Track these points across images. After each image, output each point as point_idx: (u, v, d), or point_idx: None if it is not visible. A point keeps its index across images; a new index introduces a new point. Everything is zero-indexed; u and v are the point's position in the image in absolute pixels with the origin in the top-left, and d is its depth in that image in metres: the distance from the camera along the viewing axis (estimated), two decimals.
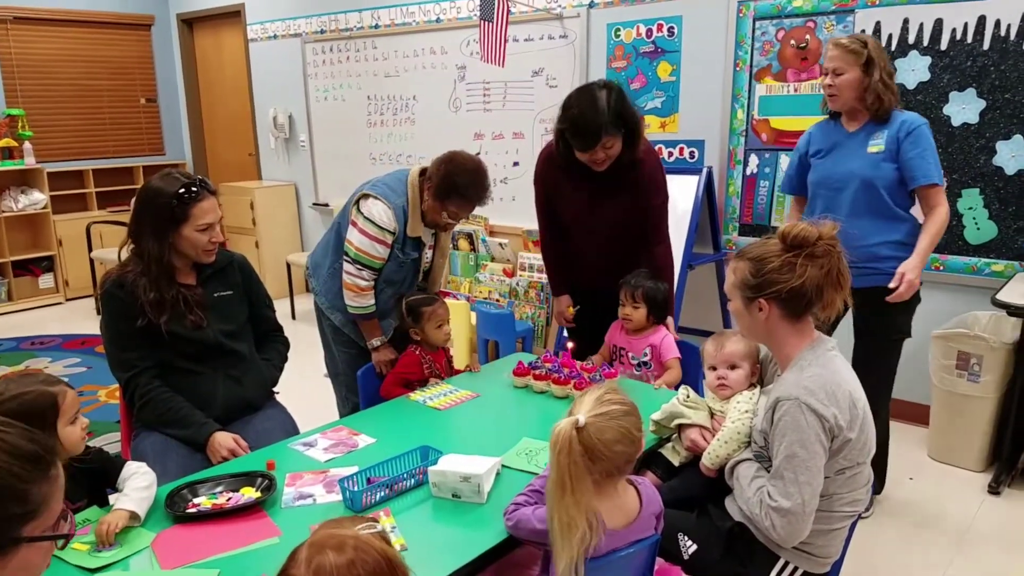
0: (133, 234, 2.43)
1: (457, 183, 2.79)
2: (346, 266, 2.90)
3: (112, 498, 1.92)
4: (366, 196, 2.88)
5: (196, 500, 1.93)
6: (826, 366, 1.82)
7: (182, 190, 2.35)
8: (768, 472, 1.83)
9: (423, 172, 2.90)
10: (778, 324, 1.87)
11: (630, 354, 2.94)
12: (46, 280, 7.11)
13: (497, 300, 5.34)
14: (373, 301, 2.94)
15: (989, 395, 3.44)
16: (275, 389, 2.75)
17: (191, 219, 2.36)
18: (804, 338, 1.88)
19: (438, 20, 5.62)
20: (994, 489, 3.33)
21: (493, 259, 5.49)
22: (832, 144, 3.03)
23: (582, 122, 2.73)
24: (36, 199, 6.91)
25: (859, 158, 2.94)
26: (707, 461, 2.03)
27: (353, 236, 2.88)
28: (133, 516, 1.82)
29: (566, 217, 3.13)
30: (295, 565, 1.15)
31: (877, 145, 2.91)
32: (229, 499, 1.93)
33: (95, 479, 1.97)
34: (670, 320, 2.97)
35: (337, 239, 3.03)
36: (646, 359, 2.91)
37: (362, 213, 2.86)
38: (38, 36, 7.21)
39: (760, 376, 2.16)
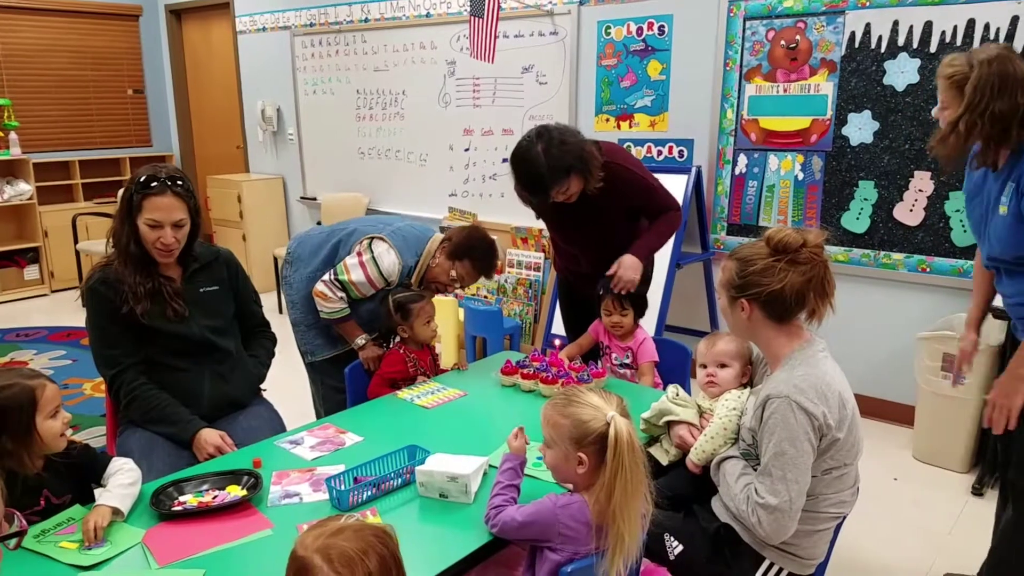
0: (114, 219, 2.43)
1: (474, 247, 2.93)
2: (328, 279, 2.89)
3: (96, 493, 1.91)
4: (383, 240, 2.90)
5: (182, 498, 1.92)
6: (816, 366, 1.82)
7: (143, 179, 2.34)
8: (755, 470, 1.84)
9: (444, 240, 2.99)
10: (761, 325, 1.89)
11: (614, 354, 2.96)
12: (31, 271, 7.06)
13: (485, 297, 5.33)
14: (344, 305, 2.92)
15: (974, 397, 3.46)
16: (262, 386, 2.74)
17: (143, 211, 2.33)
18: (793, 339, 1.89)
19: (428, 15, 5.61)
20: (977, 490, 3.36)
21: None
22: (974, 186, 2.31)
23: (528, 184, 2.81)
24: (22, 190, 6.86)
25: (995, 220, 2.19)
26: (693, 457, 2.03)
27: (352, 266, 2.87)
28: (116, 512, 1.81)
29: (555, 237, 3.25)
30: (315, 570, 1.17)
31: (1004, 204, 2.14)
32: (215, 497, 1.92)
33: (80, 475, 1.96)
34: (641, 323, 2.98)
35: (332, 252, 3.01)
36: (628, 360, 2.93)
37: (372, 252, 2.88)
38: (24, 26, 7.14)
39: (751, 377, 2.17)
